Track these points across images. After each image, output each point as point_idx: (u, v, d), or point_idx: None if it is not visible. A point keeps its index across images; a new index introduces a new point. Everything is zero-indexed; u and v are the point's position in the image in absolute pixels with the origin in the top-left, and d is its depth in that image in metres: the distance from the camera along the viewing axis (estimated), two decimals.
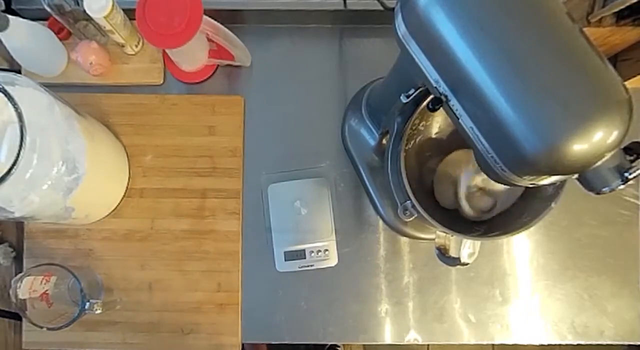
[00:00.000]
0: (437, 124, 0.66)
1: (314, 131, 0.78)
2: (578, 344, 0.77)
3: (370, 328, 0.76)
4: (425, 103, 0.54)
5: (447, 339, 0.76)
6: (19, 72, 0.75)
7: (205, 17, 0.63)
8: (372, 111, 0.69)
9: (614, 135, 0.35)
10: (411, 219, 0.56)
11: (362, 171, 0.74)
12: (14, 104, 0.49)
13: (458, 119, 0.42)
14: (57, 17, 0.70)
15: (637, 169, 0.36)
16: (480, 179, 0.61)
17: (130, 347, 0.74)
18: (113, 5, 0.65)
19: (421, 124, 0.64)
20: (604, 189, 0.38)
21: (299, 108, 0.79)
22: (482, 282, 0.77)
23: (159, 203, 0.76)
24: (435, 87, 0.43)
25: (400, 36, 0.43)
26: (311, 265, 0.75)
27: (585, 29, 0.38)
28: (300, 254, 0.75)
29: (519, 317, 0.76)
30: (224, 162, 0.77)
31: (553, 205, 0.54)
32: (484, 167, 0.44)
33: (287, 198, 0.75)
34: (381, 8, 0.57)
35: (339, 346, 1.20)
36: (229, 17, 0.73)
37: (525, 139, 0.36)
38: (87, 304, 0.65)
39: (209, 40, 0.73)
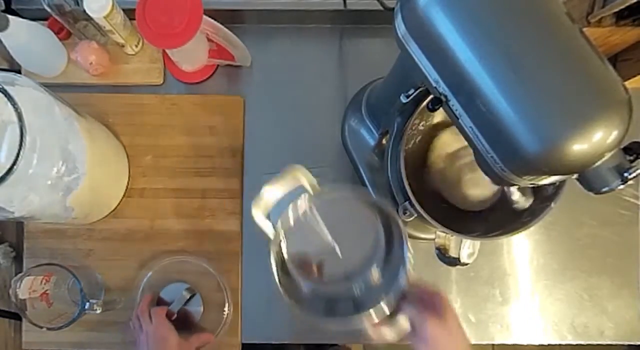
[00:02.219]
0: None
1: (314, 131, 0.78)
2: (578, 344, 0.77)
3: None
4: (425, 103, 0.54)
5: None
6: (19, 72, 0.75)
7: (205, 17, 0.63)
8: (372, 111, 0.69)
9: (613, 135, 0.35)
10: (411, 219, 0.56)
11: (362, 171, 0.74)
12: (14, 104, 0.49)
13: (458, 119, 0.42)
14: (57, 17, 0.70)
15: (637, 169, 0.36)
16: None
17: (130, 347, 0.74)
18: (113, 5, 0.65)
19: (421, 124, 0.64)
20: (603, 189, 0.38)
21: (299, 108, 0.79)
22: (482, 282, 0.77)
23: (159, 203, 0.76)
24: (435, 87, 0.43)
25: (400, 36, 0.43)
26: None
27: (585, 29, 0.38)
28: None
29: (519, 317, 0.76)
30: (224, 162, 0.77)
31: (553, 205, 0.54)
32: (484, 167, 0.44)
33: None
34: (381, 8, 0.57)
35: (339, 346, 1.20)
36: (229, 17, 0.73)
37: (525, 139, 0.36)
38: (87, 304, 0.65)
39: (209, 40, 0.73)
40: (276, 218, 0.50)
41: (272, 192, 0.51)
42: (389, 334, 0.49)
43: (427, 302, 0.48)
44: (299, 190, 0.51)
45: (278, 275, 0.50)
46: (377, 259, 0.52)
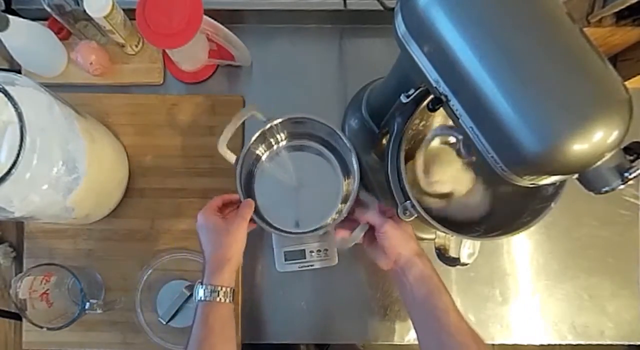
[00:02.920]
0: (437, 124, 0.66)
1: None
2: (578, 344, 0.77)
3: (370, 328, 0.76)
4: (425, 103, 0.54)
5: None
6: (19, 72, 0.75)
7: (205, 17, 0.63)
8: (372, 111, 0.69)
9: (614, 135, 0.35)
10: (411, 219, 0.56)
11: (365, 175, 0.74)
12: (14, 104, 0.49)
13: (458, 119, 0.42)
14: (57, 17, 0.70)
15: (637, 169, 0.36)
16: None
17: (130, 347, 0.74)
18: (113, 5, 0.65)
19: (421, 124, 0.64)
20: (604, 189, 0.38)
21: (299, 108, 0.78)
22: (482, 282, 0.77)
23: (159, 203, 0.76)
24: (435, 87, 0.43)
25: (400, 36, 0.43)
26: (311, 265, 0.75)
27: (585, 29, 0.38)
28: (300, 254, 0.74)
29: (519, 317, 0.76)
30: (224, 162, 0.76)
31: (553, 205, 0.54)
32: (485, 166, 0.44)
33: None
34: (381, 8, 0.57)
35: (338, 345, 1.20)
36: (229, 17, 0.73)
37: (525, 139, 0.36)
38: (87, 304, 0.65)
39: (209, 40, 0.73)
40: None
41: (231, 128, 0.64)
42: (349, 238, 0.61)
43: (387, 214, 0.60)
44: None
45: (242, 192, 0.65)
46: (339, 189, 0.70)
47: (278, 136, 0.71)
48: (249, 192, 0.69)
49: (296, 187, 0.70)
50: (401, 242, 0.58)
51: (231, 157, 0.65)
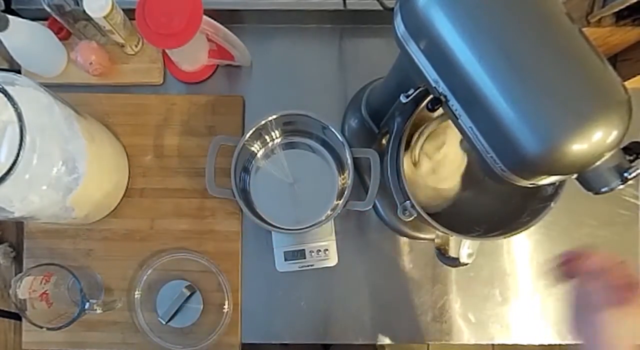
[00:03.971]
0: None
1: None
2: (578, 344, 0.77)
3: (371, 328, 0.76)
4: (425, 103, 0.54)
5: (447, 339, 0.76)
6: (19, 72, 0.75)
7: (205, 17, 0.63)
8: (372, 111, 0.69)
9: (613, 135, 0.35)
10: (411, 219, 0.56)
11: (361, 171, 0.74)
12: (14, 104, 0.49)
13: (457, 118, 0.42)
14: (57, 17, 0.70)
15: (637, 169, 0.37)
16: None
17: (130, 347, 0.74)
18: (113, 5, 0.65)
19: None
20: (603, 189, 0.38)
21: (299, 108, 0.79)
22: (482, 282, 0.77)
23: (159, 203, 0.76)
24: (435, 87, 0.43)
25: (400, 36, 0.43)
26: (311, 265, 0.75)
27: (585, 29, 0.38)
28: (300, 254, 0.75)
29: (519, 317, 0.76)
30: (224, 162, 0.76)
31: (553, 205, 0.54)
32: (484, 167, 0.44)
33: None
34: (381, 8, 0.57)
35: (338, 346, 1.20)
36: (229, 17, 0.73)
37: (525, 139, 0.36)
38: (87, 304, 0.65)
39: (209, 40, 0.73)
40: None
41: (210, 167, 0.67)
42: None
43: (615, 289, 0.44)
44: None
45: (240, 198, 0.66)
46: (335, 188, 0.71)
47: (273, 133, 0.71)
48: (244, 190, 0.70)
49: (292, 184, 0.71)
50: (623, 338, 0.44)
51: (226, 193, 0.66)
